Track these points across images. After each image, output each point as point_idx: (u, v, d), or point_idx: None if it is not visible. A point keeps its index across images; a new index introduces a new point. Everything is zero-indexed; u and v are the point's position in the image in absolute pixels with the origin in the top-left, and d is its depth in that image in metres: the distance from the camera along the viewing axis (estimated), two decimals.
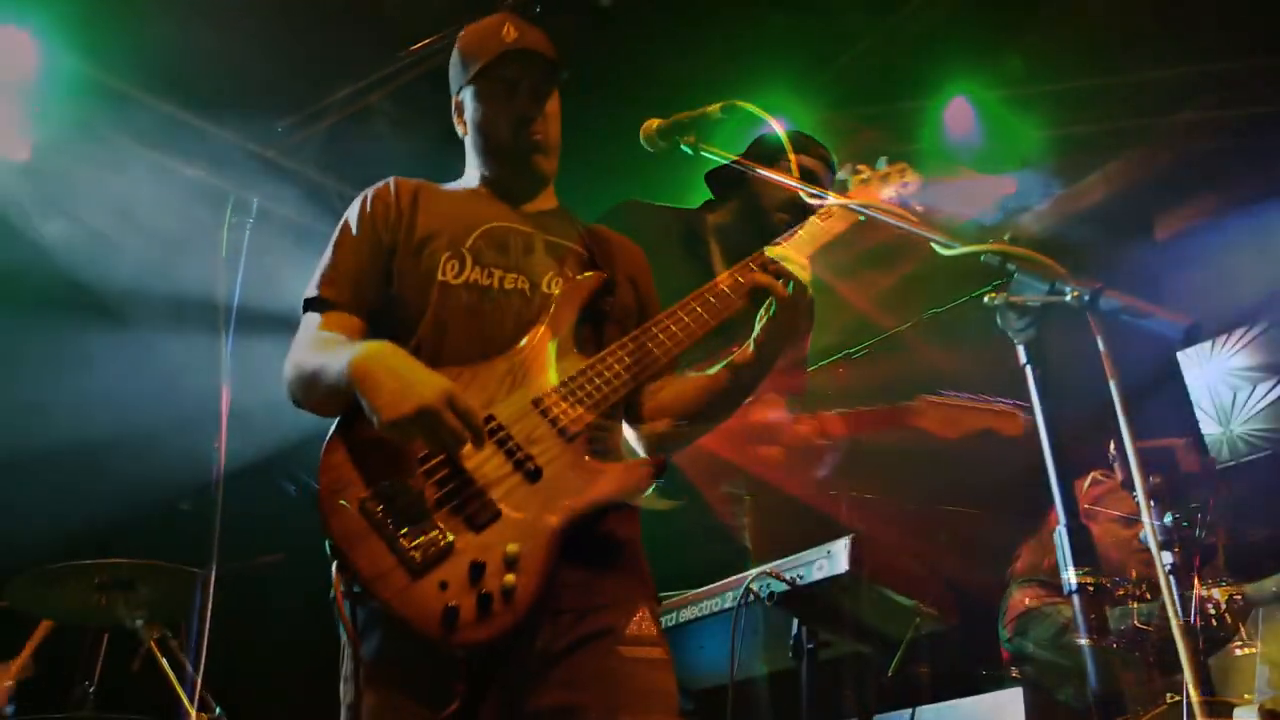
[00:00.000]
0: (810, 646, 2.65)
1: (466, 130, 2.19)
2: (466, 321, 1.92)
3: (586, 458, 1.80)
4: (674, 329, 1.93)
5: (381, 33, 5.07)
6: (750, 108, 2.03)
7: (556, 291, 1.99)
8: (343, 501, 1.68)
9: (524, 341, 1.90)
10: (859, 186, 2.30)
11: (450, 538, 1.66)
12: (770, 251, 2.01)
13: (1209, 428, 4.91)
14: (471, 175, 2.22)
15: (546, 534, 1.69)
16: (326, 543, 1.68)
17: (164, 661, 3.56)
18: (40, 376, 5.21)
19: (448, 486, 1.71)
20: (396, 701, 1.71)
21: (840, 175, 2.34)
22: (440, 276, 1.95)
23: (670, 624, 3.03)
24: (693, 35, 5.11)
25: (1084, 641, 1.24)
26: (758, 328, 2.03)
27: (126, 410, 5.26)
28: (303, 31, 5.00)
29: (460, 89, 2.17)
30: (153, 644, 3.61)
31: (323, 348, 1.86)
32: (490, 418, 1.78)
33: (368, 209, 2.06)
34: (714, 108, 2.04)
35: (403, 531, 1.65)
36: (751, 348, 2.04)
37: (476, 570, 1.63)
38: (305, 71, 5.28)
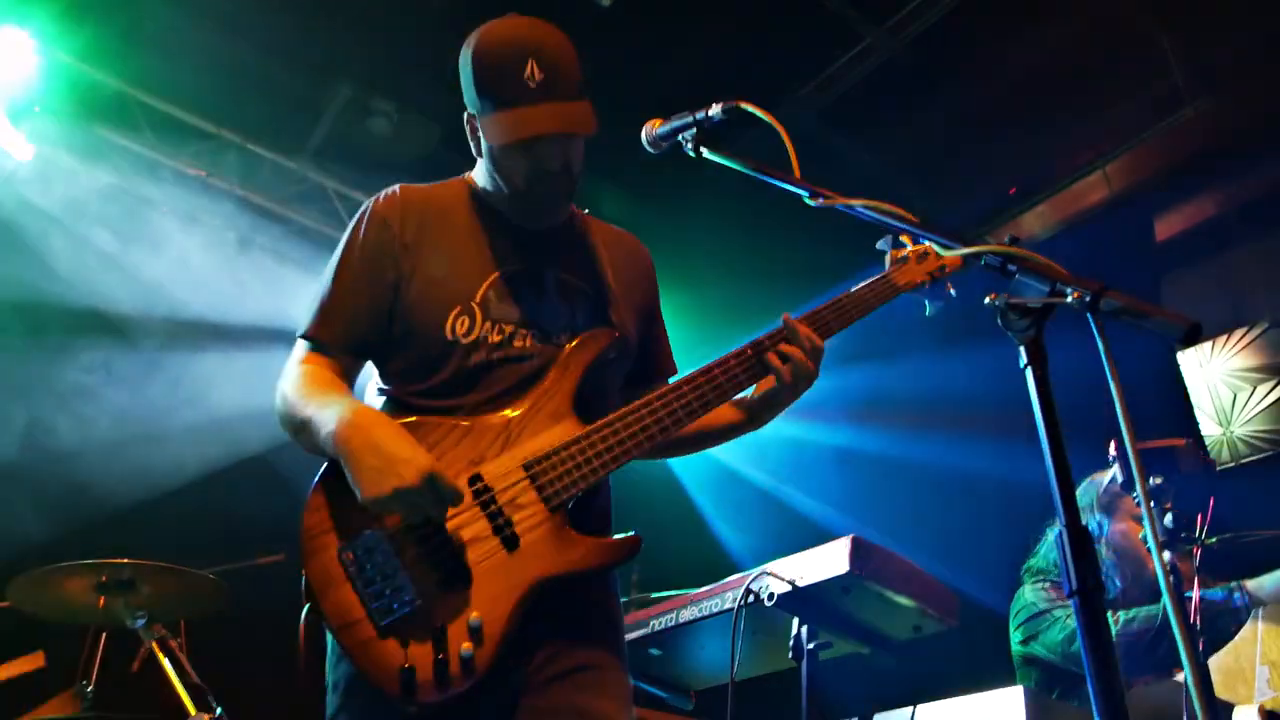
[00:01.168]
0: (810, 646, 2.65)
1: (480, 151, 2.04)
2: (471, 378, 1.90)
3: (567, 528, 1.80)
4: (676, 406, 1.91)
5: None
6: (752, 109, 2.02)
7: (566, 347, 1.95)
8: (322, 545, 1.72)
9: (525, 398, 1.88)
10: (895, 265, 2.23)
11: (418, 599, 1.69)
12: (793, 331, 1.99)
13: (1209, 428, 4.90)
14: (482, 179, 2.08)
15: (510, 605, 1.72)
16: (303, 579, 1.72)
17: (164, 661, 3.56)
18: (40, 380, 5.20)
19: (425, 545, 1.73)
20: (375, 716, 1.75)
21: (880, 245, 2.24)
22: (449, 336, 1.91)
23: (670, 624, 3.04)
24: (693, 35, 5.11)
25: (1085, 647, 1.24)
26: (755, 394, 2.07)
27: (127, 411, 5.26)
28: (306, 32, 5.00)
29: (475, 111, 1.98)
30: (153, 644, 3.60)
31: (312, 396, 1.84)
32: (478, 477, 1.79)
33: (372, 233, 1.97)
34: (715, 108, 2.03)
35: (374, 586, 1.69)
36: (746, 410, 2.10)
37: (439, 635, 1.67)
38: (309, 73, 5.28)
